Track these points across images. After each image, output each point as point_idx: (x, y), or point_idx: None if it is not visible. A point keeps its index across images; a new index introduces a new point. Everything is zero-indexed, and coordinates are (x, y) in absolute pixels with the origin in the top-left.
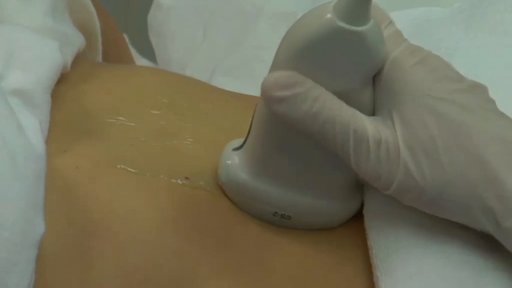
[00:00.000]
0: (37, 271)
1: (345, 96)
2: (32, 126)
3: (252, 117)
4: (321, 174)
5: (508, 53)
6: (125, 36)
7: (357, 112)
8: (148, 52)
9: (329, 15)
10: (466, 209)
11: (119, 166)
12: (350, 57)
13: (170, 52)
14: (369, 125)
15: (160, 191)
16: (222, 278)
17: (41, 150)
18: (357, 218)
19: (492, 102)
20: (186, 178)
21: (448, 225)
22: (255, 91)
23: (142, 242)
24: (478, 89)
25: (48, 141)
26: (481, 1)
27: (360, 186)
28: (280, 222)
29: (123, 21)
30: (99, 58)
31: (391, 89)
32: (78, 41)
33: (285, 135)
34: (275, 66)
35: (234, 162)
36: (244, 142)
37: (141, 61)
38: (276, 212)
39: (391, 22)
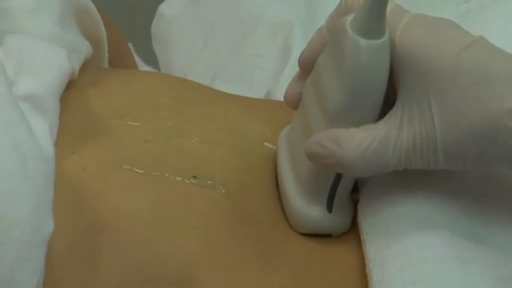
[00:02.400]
0: (46, 268)
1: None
2: (42, 130)
3: None
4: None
5: None
6: (130, 44)
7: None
8: (152, 60)
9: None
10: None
11: (125, 167)
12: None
13: (172, 60)
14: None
15: (165, 190)
16: (224, 274)
17: (51, 153)
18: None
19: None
20: (194, 177)
21: (439, 219)
22: (253, 96)
23: (148, 240)
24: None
25: (57, 144)
26: (468, 10)
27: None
28: None
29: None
30: (105, 65)
31: (411, 66)
32: (85, 49)
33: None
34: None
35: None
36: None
37: (145, 68)
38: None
39: None
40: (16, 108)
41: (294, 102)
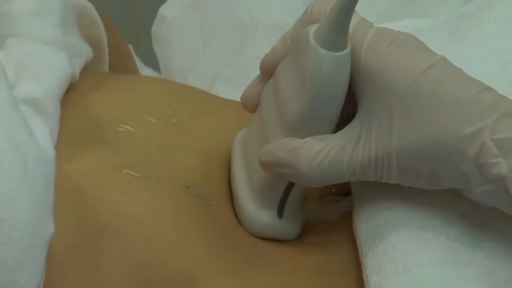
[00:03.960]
0: (47, 269)
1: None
2: (43, 133)
3: None
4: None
5: (490, 61)
6: (130, 47)
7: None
8: (153, 62)
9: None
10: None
11: (124, 171)
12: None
13: (173, 62)
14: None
15: (163, 194)
16: (222, 275)
17: (51, 155)
18: (345, 218)
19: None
20: (186, 187)
21: (435, 224)
22: None
23: (147, 242)
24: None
25: (57, 147)
26: (465, 13)
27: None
28: None
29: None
30: (106, 68)
31: (374, 80)
32: (86, 52)
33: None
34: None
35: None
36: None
37: (145, 70)
38: None
39: (355, 11)
40: (17, 111)
41: (251, 105)
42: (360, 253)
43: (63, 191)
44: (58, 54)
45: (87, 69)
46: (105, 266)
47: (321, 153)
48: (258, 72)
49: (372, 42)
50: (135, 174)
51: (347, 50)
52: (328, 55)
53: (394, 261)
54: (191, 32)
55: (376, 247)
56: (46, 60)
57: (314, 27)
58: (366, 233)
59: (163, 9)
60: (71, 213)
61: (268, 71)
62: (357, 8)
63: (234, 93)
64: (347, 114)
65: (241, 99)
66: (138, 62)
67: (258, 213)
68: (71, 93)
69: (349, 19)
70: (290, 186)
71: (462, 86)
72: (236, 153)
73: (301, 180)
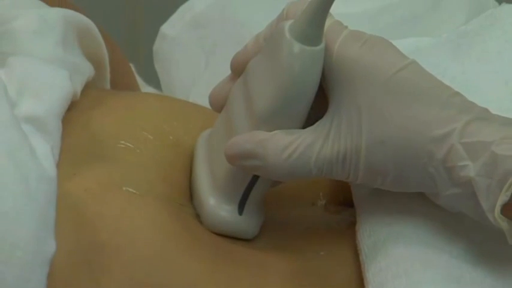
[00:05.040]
0: (48, 287)
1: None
2: (44, 151)
3: None
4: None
5: (492, 79)
6: (132, 65)
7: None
8: (154, 80)
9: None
10: (427, 178)
11: (124, 188)
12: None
13: (174, 80)
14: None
15: (161, 211)
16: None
17: (52, 174)
18: (350, 229)
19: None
20: (181, 205)
21: (438, 240)
22: None
23: (147, 258)
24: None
25: (59, 165)
26: (467, 32)
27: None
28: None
29: (130, 51)
30: (107, 86)
31: (346, 78)
32: (87, 70)
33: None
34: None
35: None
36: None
37: (147, 89)
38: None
39: (330, 14)
40: (18, 130)
41: (218, 103)
42: (362, 268)
43: (64, 208)
44: (59, 72)
45: (88, 87)
46: (106, 283)
47: (289, 147)
48: None
49: (345, 41)
50: (134, 191)
51: (321, 46)
52: (303, 48)
53: (397, 278)
54: (192, 51)
55: (378, 262)
56: (47, 78)
57: (290, 22)
58: (368, 248)
59: (165, 28)
60: (71, 230)
61: (238, 69)
62: (359, 27)
63: None
64: (315, 115)
65: (209, 97)
66: (139, 80)
67: (218, 208)
68: (72, 111)
69: (326, 14)
70: (254, 180)
71: (433, 89)
72: (199, 152)
73: (268, 173)
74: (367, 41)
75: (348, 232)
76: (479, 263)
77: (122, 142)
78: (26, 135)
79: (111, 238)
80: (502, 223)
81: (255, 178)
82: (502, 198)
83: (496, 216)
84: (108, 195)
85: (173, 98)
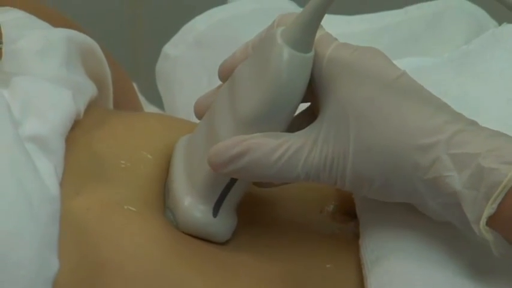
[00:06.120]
0: None
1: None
2: (47, 170)
3: None
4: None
5: (494, 97)
6: (135, 84)
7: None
8: (157, 99)
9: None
10: (411, 190)
11: (126, 207)
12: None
13: (177, 99)
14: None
15: (161, 228)
16: None
17: (56, 193)
18: (355, 242)
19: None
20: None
21: (441, 255)
22: None
23: (149, 274)
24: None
25: (62, 184)
26: (469, 51)
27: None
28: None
29: (133, 70)
30: (110, 105)
31: (335, 85)
32: (90, 89)
33: None
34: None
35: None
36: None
37: (149, 107)
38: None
39: (321, 26)
40: (22, 149)
41: (202, 112)
42: (364, 283)
43: (67, 227)
44: (63, 91)
45: (91, 107)
46: None
47: (279, 150)
48: None
49: (336, 49)
50: (134, 209)
51: (311, 54)
52: (293, 53)
53: None
54: (195, 70)
55: (381, 277)
56: (51, 98)
57: (282, 28)
58: (371, 263)
59: (167, 48)
60: (74, 249)
61: (226, 76)
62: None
63: None
64: (298, 123)
65: (194, 106)
66: (142, 99)
67: (193, 208)
68: (75, 131)
69: (319, 22)
70: (232, 182)
71: (423, 100)
72: (177, 154)
73: (253, 175)
74: (357, 49)
75: (354, 243)
76: (481, 280)
77: (123, 162)
78: (29, 154)
79: (113, 255)
80: (487, 235)
81: (233, 181)
82: (488, 211)
83: (481, 228)
84: (109, 214)
85: (173, 117)
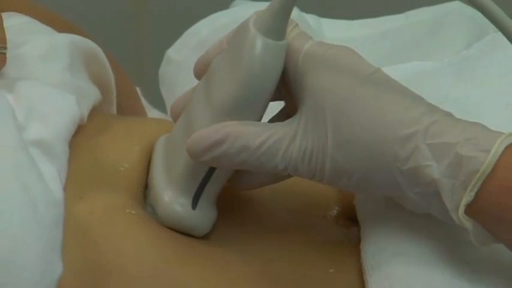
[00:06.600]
0: None
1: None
2: (51, 175)
3: None
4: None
5: (493, 102)
6: (138, 88)
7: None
8: (160, 103)
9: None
10: (392, 182)
11: (127, 210)
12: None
13: None
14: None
15: (161, 230)
16: None
17: (60, 197)
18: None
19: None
20: None
21: (441, 259)
22: None
23: (151, 277)
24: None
25: (65, 188)
26: (469, 56)
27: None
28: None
29: (136, 74)
30: (114, 110)
31: (311, 80)
32: (93, 94)
33: None
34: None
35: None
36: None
37: (152, 111)
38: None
39: (296, 24)
40: (26, 153)
41: (178, 114)
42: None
43: (70, 231)
44: (67, 96)
45: (94, 111)
46: None
47: (260, 137)
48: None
49: (312, 46)
50: (135, 212)
51: (284, 42)
52: (266, 41)
53: None
54: None
55: (382, 282)
56: (55, 102)
57: (254, 18)
58: (372, 268)
59: (170, 52)
60: (77, 252)
61: (201, 73)
62: (361, 52)
63: None
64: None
65: (170, 108)
66: (145, 103)
67: (173, 202)
68: (79, 135)
69: (291, 10)
70: (210, 173)
71: (399, 93)
72: (157, 151)
73: (232, 162)
74: (333, 47)
75: (357, 248)
76: (481, 283)
77: (124, 165)
78: (33, 158)
79: (115, 258)
80: (466, 223)
81: (211, 171)
82: (466, 199)
83: (459, 216)
84: (112, 218)
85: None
